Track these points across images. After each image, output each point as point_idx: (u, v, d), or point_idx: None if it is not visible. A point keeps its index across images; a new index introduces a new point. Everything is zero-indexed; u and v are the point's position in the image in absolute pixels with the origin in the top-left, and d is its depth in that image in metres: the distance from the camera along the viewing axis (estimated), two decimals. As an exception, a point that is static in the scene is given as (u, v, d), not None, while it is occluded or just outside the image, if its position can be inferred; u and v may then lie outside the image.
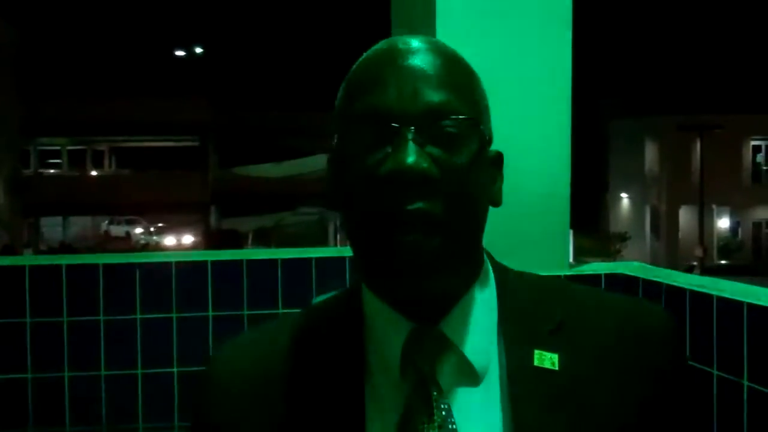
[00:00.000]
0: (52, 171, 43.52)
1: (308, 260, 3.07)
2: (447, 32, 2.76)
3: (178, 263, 3.03)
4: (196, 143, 39.77)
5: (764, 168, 41.32)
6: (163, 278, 3.01)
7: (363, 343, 1.07)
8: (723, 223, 40.93)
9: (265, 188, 39.37)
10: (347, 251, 3.31)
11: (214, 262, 3.04)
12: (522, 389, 1.03)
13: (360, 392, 1.04)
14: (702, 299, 2.48)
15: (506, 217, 2.83)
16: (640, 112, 41.67)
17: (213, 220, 40.23)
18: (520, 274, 1.14)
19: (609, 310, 1.10)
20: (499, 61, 2.81)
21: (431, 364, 1.04)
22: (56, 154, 44.00)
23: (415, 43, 1.05)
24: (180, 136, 40.31)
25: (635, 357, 1.06)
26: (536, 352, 1.05)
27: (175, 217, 40.22)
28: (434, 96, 1.01)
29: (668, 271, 2.88)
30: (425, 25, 2.82)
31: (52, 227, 40.84)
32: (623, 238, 41.18)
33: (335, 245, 36.44)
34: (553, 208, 2.86)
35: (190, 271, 3.03)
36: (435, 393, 1.02)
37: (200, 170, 39.00)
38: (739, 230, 41.32)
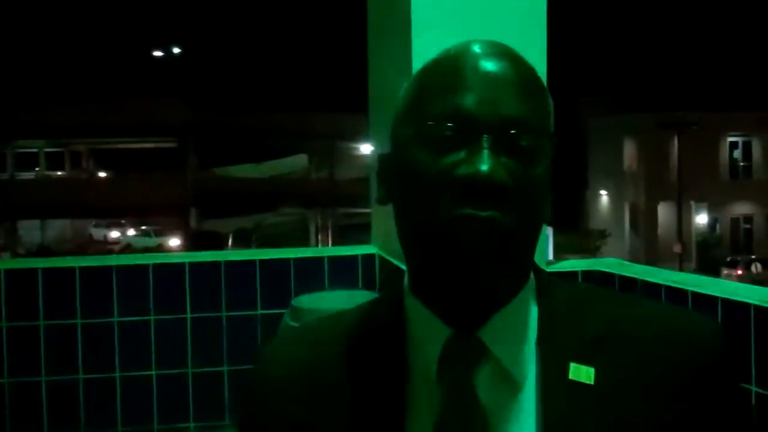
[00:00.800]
0: (29, 174, 43.20)
1: (287, 261, 3.07)
2: (422, 35, 2.76)
3: (155, 265, 3.02)
4: (174, 145, 39.63)
5: (741, 164, 41.62)
6: (141, 281, 2.99)
7: (405, 348, 1.08)
8: (701, 219, 41.17)
9: (245, 189, 39.32)
10: (327, 251, 3.30)
11: (192, 264, 3.03)
12: (555, 402, 1.02)
13: (401, 397, 1.05)
14: (678, 295, 2.49)
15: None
16: (618, 109, 41.83)
17: (193, 221, 40.09)
18: (562, 284, 1.13)
19: (652, 322, 1.08)
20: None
21: (468, 372, 1.04)
22: (34, 157, 43.66)
23: (493, 49, 1.06)
24: (159, 137, 40.16)
25: (678, 371, 1.04)
26: (572, 365, 1.04)
27: (155, 219, 40.00)
28: (514, 107, 1.01)
29: (644, 267, 2.89)
30: (401, 25, 2.82)
31: (30, 230, 40.54)
32: (603, 235, 41.37)
33: (317, 245, 36.42)
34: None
35: (168, 273, 3.01)
36: (471, 401, 1.03)
37: (180, 172, 38.87)
38: (717, 226, 41.57)
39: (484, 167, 0.97)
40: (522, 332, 1.06)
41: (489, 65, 1.03)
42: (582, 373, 1.03)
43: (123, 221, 42.73)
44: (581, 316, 1.08)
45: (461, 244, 0.98)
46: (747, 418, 1.09)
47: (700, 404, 1.04)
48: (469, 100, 1.01)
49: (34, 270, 2.96)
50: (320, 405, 1.07)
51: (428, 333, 1.06)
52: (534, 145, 1.01)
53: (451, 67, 1.05)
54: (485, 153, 0.98)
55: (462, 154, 0.99)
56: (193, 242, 36.97)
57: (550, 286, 1.11)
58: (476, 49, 1.06)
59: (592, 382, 1.03)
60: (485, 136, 0.99)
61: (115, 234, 43.55)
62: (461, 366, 1.04)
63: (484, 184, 0.97)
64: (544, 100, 1.07)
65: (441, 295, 1.04)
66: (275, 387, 1.11)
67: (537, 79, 1.08)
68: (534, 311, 1.08)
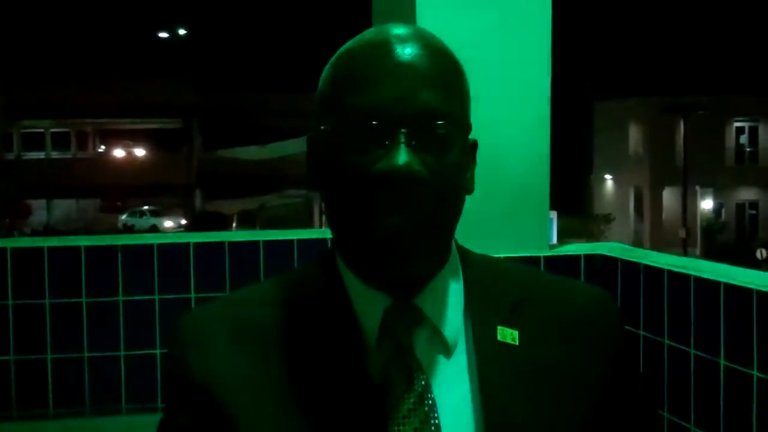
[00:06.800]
0: (36, 154, 43.10)
1: (290, 242, 3.08)
2: (427, 14, 2.77)
3: (160, 245, 3.03)
4: (179, 125, 39.60)
5: (747, 149, 41.44)
6: (146, 260, 3.01)
7: (351, 314, 1.11)
8: (707, 204, 41.05)
9: (250, 170, 39.30)
10: (329, 233, 3.32)
11: (196, 244, 3.04)
12: (488, 361, 1.10)
13: (360, 360, 1.08)
14: (680, 279, 2.50)
15: (486, 200, 2.86)
16: (624, 93, 41.70)
17: (197, 202, 40.10)
18: (481, 257, 1.21)
19: (556, 288, 1.20)
20: (477, 42, 2.82)
21: (409, 337, 1.10)
22: (40, 137, 43.57)
23: (408, 37, 1.08)
24: (163, 118, 40.13)
25: (590, 337, 1.16)
26: (499, 328, 1.12)
27: (159, 199, 39.97)
28: (429, 98, 1.04)
29: (647, 251, 2.91)
30: (406, 4, 2.83)
31: (36, 210, 40.53)
32: (607, 219, 41.28)
33: (320, 227, 36.37)
34: (532, 190, 2.89)
35: (172, 252, 3.03)
36: (413, 364, 1.08)
37: (184, 152, 38.85)
38: (723, 211, 41.46)
39: (401, 161, 1.01)
40: (452, 299, 1.13)
41: (403, 56, 1.05)
42: (507, 335, 1.12)
43: (119, 203, 41.75)
44: (501, 283, 1.17)
45: (382, 240, 1.04)
46: (638, 366, 1.23)
47: (618, 367, 1.17)
48: (384, 96, 1.03)
49: (40, 249, 2.98)
50: (256, 359, 1.08)
51: (368, 299, 1.10)
52: (452, 133, 1.05)
53: (365, 60, 1.06)
54: (401, 147, 1.02)
55: (380, 149, 1.03)
56: (196, 223, 36.94)
57: (471, 257, 1.19)
58: (391, 38, 1.07)
59: (517, 343, 1.12)
60: (401, 129, 1.02)
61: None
62: (403, 331, 1.09)
63: (398, 178, 1.01)
64: (459, 82, 1.10)
65: (369, 278, 1.10)
66: (206, 336, 1.11)
67: (450, 58, 1.10)
68: (460, 281, 1.15)
